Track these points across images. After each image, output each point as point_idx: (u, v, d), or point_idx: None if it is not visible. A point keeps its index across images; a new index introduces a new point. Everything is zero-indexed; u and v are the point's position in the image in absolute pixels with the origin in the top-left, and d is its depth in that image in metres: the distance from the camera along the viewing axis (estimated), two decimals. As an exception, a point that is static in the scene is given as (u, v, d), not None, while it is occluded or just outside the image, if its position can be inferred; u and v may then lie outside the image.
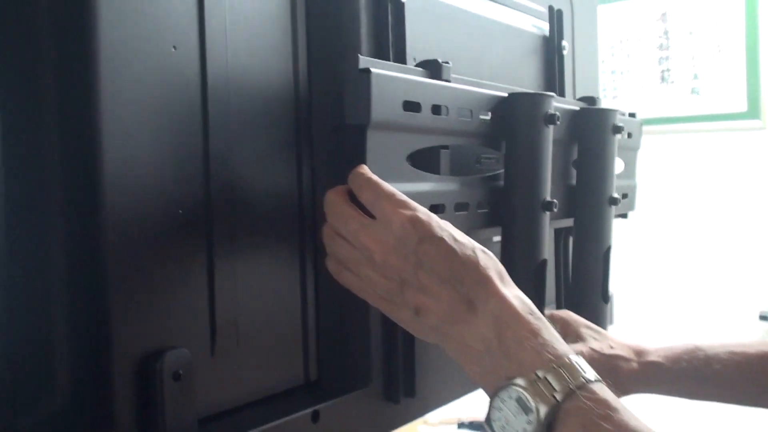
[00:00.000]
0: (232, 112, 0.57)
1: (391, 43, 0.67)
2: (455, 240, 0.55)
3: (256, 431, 0.55)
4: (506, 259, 0.74)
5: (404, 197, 0.56)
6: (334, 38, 0.65)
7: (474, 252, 0.55)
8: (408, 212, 0.54)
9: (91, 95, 0.47)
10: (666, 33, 2.31)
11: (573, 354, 0.51)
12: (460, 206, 0.68)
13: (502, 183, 0.74)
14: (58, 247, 0.48)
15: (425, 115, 0.61)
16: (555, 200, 0.73)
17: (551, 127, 0.73)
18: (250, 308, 0.59)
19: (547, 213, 0.74)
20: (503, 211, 0.74)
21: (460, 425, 1.74)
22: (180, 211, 0.53)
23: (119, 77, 0.48)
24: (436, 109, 0.63)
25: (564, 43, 1.04)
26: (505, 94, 0.73)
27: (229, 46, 0.57)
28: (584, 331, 0.83)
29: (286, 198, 0.63)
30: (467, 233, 0.57)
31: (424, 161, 0.64)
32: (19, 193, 0.48)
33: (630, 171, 1.07)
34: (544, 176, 0.73)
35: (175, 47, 0.52)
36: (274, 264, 0.62)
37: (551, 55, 1.03)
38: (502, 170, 0.74)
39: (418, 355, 0.71)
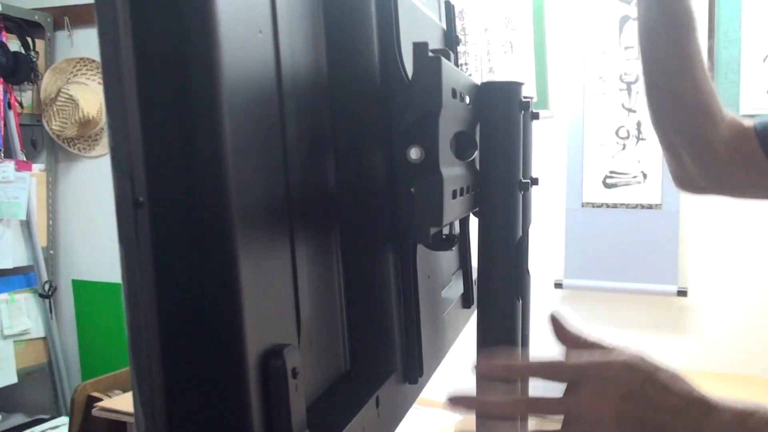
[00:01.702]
0: (294, 100, 0.55)
1: (394, 38, 0.68)
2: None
3: (354, 422, 0.55)
4: (485, 238, 0.78)
5: None
6: (349, 34, 0.65)
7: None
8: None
9: (216, 83, 0.44)
10: (464, 29, 2.48)
11: None
12: (467, 189, 0.71)
13: (477, 166, 0.78)
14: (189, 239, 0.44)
15: (457, 101, 0.64)
16: (529, 179, 0.79)
17: (523, 112, 0.78)
18: (314, 303, 0.58)
19: (521, 192, 0.79)
20: (481, 192, 0.78)
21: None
22: (273, 203, 0.51)
23: (232, 55, 0.45)
24: (460, 96, 0.65)
25: (458, 35, 1.10)
26: (477, 82, 0.77)
27: (290, 36, 0.55)
28: None
29: (321, 190, 0.62)
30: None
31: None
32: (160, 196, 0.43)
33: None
34: (518, 158, 0.78)
35: (261, 31, 0.50)
36: (320, 258, 0.61)
37: (450, 46, 1.09)
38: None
39: (423, 338, 0.74)
